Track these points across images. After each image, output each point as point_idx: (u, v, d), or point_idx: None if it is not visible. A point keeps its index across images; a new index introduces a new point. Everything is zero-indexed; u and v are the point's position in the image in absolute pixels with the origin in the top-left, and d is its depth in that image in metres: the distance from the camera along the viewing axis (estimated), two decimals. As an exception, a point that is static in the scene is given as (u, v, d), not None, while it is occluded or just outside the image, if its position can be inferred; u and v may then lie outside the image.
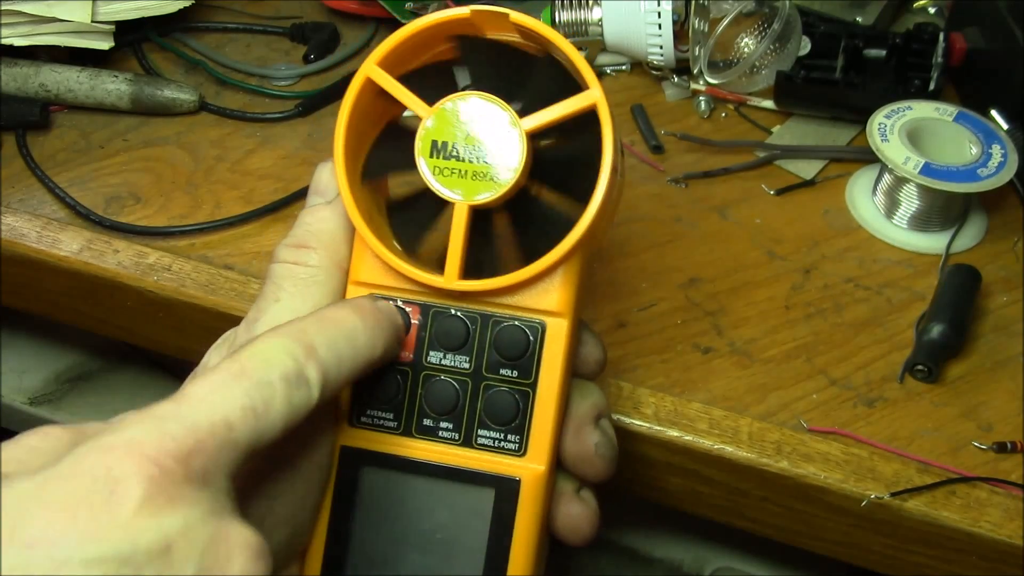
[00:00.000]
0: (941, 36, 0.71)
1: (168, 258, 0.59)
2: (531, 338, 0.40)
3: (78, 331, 0.66)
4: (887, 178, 0.65)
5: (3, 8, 0.67)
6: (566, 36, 0.74)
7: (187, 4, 0.74)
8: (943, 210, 0.64)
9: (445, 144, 0.39)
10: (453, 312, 0.41)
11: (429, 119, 0.40)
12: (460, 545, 0.40)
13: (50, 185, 0.63)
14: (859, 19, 0.78)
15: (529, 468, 0.40)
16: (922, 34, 0.71)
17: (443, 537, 0.40)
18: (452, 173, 0.39)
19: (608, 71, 0.76)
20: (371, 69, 0.41)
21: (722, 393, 0.54)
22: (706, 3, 0.73)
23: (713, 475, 0.53)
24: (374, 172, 0.43)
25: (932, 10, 0.82)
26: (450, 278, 0.40)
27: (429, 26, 0.41)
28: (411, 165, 0.40)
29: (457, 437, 0.41)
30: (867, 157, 0.67)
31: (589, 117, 0.39)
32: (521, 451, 0.40)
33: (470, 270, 0.40)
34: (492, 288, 0.40)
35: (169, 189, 0.64)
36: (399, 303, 0.41)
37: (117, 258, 0.59)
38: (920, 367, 0.56)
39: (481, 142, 0.39)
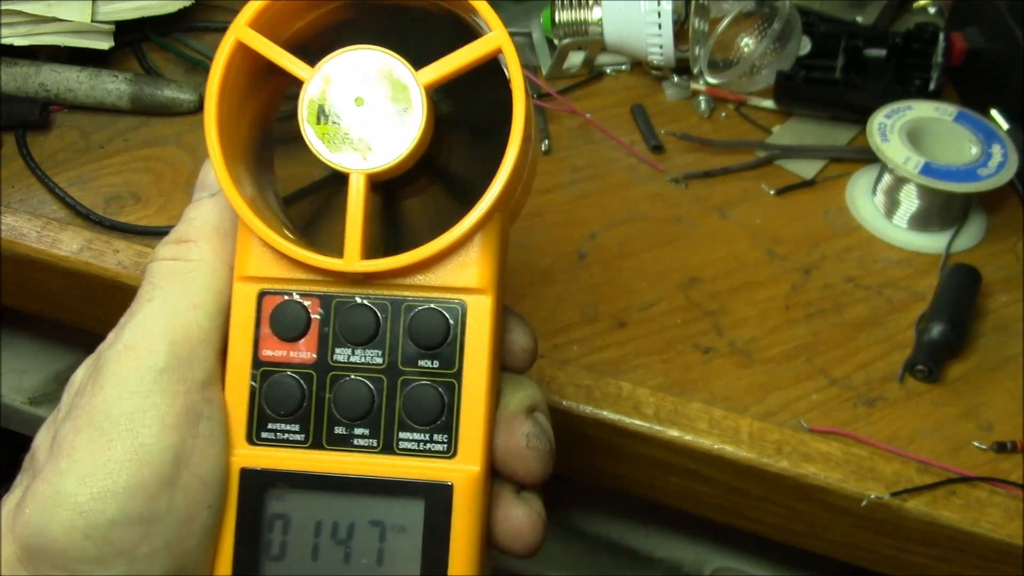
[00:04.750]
0: (941, 36, 0.71)
1: (168, 258, 0.59)
2: (451, 321, 0.36)
3: (78, 331, 0.66)
4: (887, 178, 0.65)
5: (3, 8, 0.67)
6: (566, 36, 0.74)
7: (187, 4, 0.74)
8: (943, 210, 0.64)
9: (333, 108, 0.34)
10: (359, 300, 0.36)
11: (313, 81, 0.35)
12: (390, 568, 0.36)
13: (50, 185, 0.63)
14: (859, 19, 0.78)
15: (462, 470, 0.36)
16: (922, 34, 0.71)
17: (369, 561, 0.36)
18: (344, 141, 0.34)
19: (608, 71, 0.76)
20: (241, 31, 0.35)
21: (722, 393, 0.54)
22: (706, 3, 0.73)
23: (713, 475, 0.53)
24: (263, 154, 0.38)
25: (932, 10, 0.82)
26: (351, 259, 0.34)
27: None
28: (300, 140, 0.35)
29: (376, 444, 0.36)
30: (867, 157, 0.68)
31: (495, 67, 0.35)
32: (451, 452, 0.36)
33: (375, 252, 0.35)
34: (400, 266, 0.35)
35: (169, 189, 0.64)
36: (295, 296, 0.36)
37: (117, 258, 0.59)
38: (920, 367, 0.56)
39: (375, 103, 0.34)
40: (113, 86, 0.68)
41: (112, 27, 0.70)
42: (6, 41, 0.67)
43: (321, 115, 0.34)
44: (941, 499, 0.50)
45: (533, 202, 0.65)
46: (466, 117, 0.37)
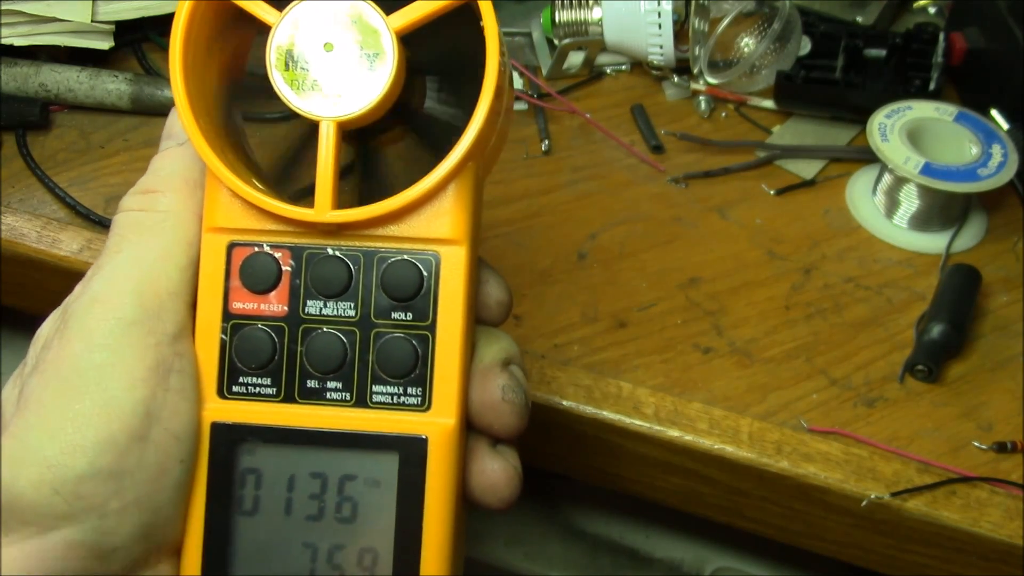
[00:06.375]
0: (941, 36, 0.71)
1: (168, 258, 0.59)
2: (424, 272, 0.35)
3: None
4: (887, 178, 0.65)
5: (3, 8, 0.67)
6: (566, 36, 0.74)
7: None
8: (943, 210, 0.64)
9: (302, 54, 0.34)
10: (330, 252, 0.35)
11: (280, 25, 0.34)
12: (364, 523, 0.35)
13: (50, 185, 0.63)
14: (859, 19, 0.78)
15: (436, 423, 0.35)
16: (922, 34, 0.71)
17: (343, 515, 0.35)
18: (314, 88, 0.34)
19: (608, 71, 0.76)
20: None
21: (722, 393, 0.54)
22: (706, 3, 0.73)
23: (713, 475, 0.53)
24: (231, 102, 0.37)
25: (932, 10, 0.82)
26: (322, 209, 0.34)
27: None
28: (268, 87, 0.34)
29: (349, 397, 0.36)
30: (867, 157, 0.68)
31: (467, 13, 0.34)
32: (425, 405, 0.35)
33: (348, 202, 0.35)
34: (372, 217, 0.34)
35: (169, 189, 0.64)
36: (265, 248, 0.35)
37: (117, 258, 0.59)
38: (920, 367, 0.56)
39: (345, 48, 0.34)
40: (113, 86, 0.68)
41: (112, 27, 0.70)
42: (6, 41, 0.67)
43: (289, 61, 0.34)
44: (941, 499, 0.50)
45: (533, 202, 0.65)
46: (440, 66, 0.37)
